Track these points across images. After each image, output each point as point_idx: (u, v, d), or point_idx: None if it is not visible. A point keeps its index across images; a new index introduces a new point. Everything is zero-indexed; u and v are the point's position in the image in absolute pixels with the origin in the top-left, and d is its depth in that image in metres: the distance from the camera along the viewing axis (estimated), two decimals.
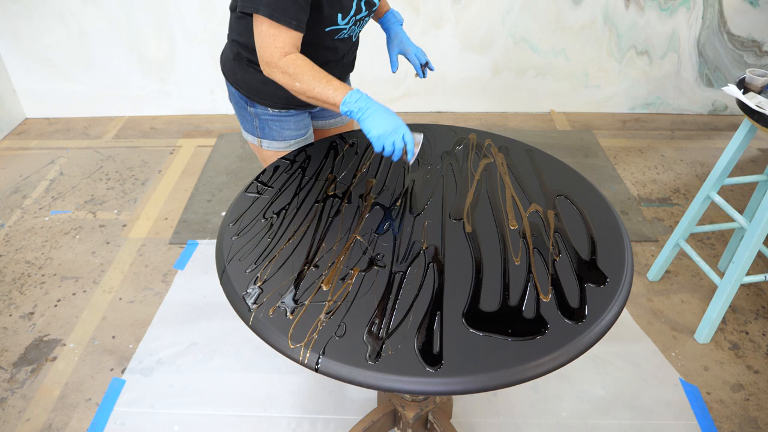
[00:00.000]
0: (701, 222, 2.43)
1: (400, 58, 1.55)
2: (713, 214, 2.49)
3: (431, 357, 0.89)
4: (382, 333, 0.93)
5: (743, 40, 3.09)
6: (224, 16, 3.00)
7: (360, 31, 1.43)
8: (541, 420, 1.67)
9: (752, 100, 1.63)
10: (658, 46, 3.12)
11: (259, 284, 1.02)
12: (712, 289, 2.10)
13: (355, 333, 0.93)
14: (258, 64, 1.35)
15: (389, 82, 3.25)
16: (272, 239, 1.13)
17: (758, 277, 1.85)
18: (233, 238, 1.14)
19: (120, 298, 2.09)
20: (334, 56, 1.42)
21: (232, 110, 3.43)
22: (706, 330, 1.90)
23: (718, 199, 1.85)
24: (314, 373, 0.89)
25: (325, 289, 1.01)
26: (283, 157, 1.41)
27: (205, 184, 2.72)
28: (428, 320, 0.95)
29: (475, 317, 0.96)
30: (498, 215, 1.21)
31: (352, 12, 1.31)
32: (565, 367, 0.90)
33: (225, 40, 1.50)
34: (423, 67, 1.54)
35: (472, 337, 0.92)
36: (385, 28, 1.56)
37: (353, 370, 0.87)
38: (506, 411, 1.69)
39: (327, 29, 1.31)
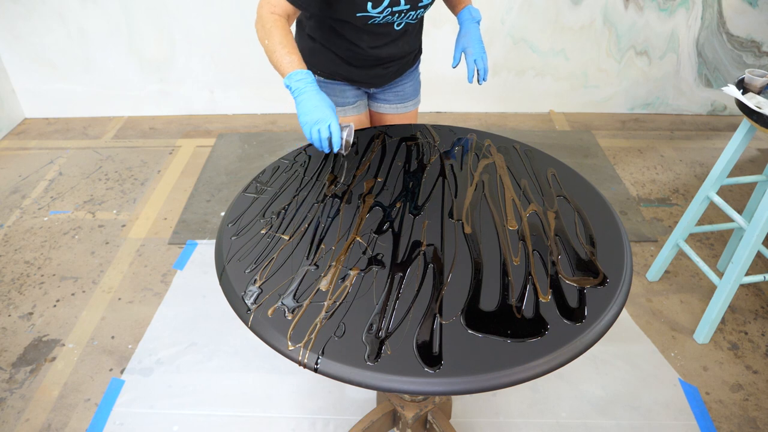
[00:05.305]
0: (700, 222, 2.43)
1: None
2: (712, 214, 2.49)
3: (430, 357, 0.89)
4: (382, 333, 0.93)
5: (742, 40, 3.09)
6: (224, 16, 3.00)
7: (409, 21, 1.40)
8: (541, 420, 1.67)
9: (751, 101, 1.63)
10: (657, 46, 3.13)
11: (258, 284, 1.02)
12: (712, 289, 2.10)
13: (355, 333, 0.93)
14: (307, 35, 1.49)
15: None
16: (271, 239, 1.13)
17: (757, 277, 1.85)
18: (232, 238, 1.14)
19: (119, 298, 2.09)
20: (378, 41, 1.44)
21: (232, 110, 3.47)
22: (705, 330, 1.90)
23: (717, 200, 1.85)
24: (313, 373, 0.89)
25: (324, 290, 1.01)
26: (282, 157, 1.41)
27: (204, 184, 2.72)
28: (427, 321, 0.95)
29: (474, 318, 0.96)
30: (497, 216, 1.21)
31: (386, 3, 1.29)
32: (564, 367, 0.90)
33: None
34: (476, 74, 1.49)
35: (471, 337, 0.92)
36: (460, 22, 1.54)
37: (352, 371, 0.87)
38: (506, 411, 1.69)
39: (358, 14, 1.31)
